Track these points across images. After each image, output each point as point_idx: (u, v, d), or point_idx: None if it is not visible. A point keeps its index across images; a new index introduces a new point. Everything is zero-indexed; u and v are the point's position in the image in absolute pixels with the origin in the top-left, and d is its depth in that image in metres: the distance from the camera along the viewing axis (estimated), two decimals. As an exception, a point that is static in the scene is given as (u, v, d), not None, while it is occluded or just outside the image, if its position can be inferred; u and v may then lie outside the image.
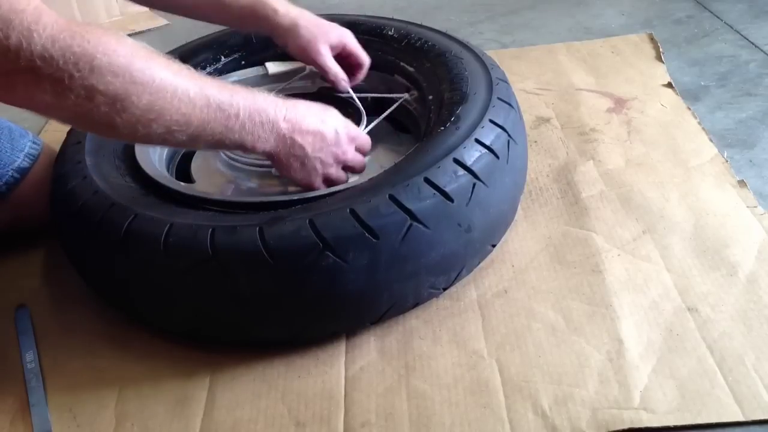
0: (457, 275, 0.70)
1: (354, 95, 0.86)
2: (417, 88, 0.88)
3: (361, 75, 0.87)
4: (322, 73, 0.84)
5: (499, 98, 0.74)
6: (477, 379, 0.64)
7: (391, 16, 0.98)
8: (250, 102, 0.63)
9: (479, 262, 0.74)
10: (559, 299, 0.71)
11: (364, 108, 0.84)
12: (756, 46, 1.17)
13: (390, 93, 0.90)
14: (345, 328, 0.70)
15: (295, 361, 0.68)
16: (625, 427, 0.58)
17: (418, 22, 0.95)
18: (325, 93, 0.89)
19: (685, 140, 0.93)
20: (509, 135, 0.71)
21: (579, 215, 0.82)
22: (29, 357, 0.71)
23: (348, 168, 0.73)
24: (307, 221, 0.60)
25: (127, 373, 0.69)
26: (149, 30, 1.54)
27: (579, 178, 0.88)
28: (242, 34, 0.98)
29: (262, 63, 0.97)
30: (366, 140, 0.75)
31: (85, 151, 0.76)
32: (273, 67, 0.96)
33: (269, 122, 0.64)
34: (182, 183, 0.77)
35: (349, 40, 0.84)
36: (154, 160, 0.80)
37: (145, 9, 1.53)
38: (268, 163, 0.77)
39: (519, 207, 0.81)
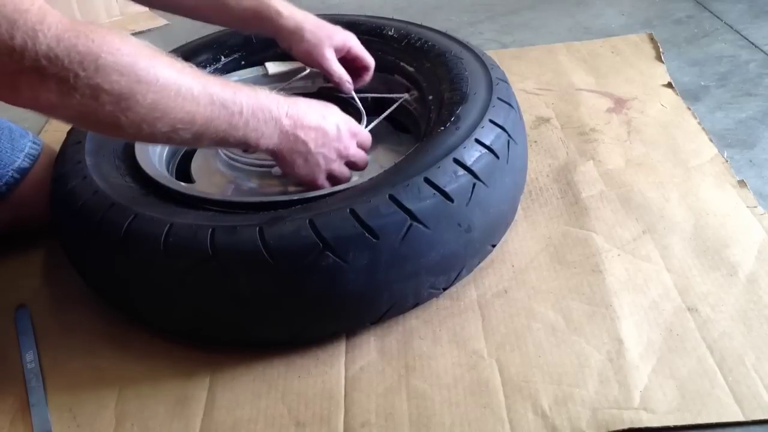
0: (457, 275, 0.70)
1: (354, 95, 0.86)
2: (417, 88, 0.88)
3: (367, 77, 0.87)
4: (326, 76, 0.84)
5: (499, 98, 0.74)
6: (477, 379, 0.64)
7: (391, 16, 0.98)
8: (252, 99, 0.63)
9: (479, 262, 0.74)
10: (559, 299, 0.71)
11: (364, 108, 0.84)
12: (756, 46, 1.17)
13: (390, 93, 0.90)
14: (345, 328, 0.70)
15: (295, 361, 0.68)
16: (625, 427, 0.58)
17: (418, 22, 0.95)
18: (325, 93, 0.89)
19: (685, 140, 0.93)
20: (509, 135, 0.71)
21: (579, 215, 0.82)
22: (29, 357, 0.71)
23: (350, 164, 0.73)
24: (307, 221, 0.60)
25: (127, 373, 0.69)
26: (149, 30, 1.54)
27: (579, 178, 0.88)
28: (242, 34, 0.98)
29: (262, 63, 0.97)
30: (367, 136, 0.75)
31: (85, 151, 0.76)
32: (273, 67, 0.96)
33: (272, 119, 0.64)
34: (182, 183, 0.77)
35: (353, 43, 0.85)
36: (154, 160, 0.80)
37: (145, 9, 1.53)
38: (268, 163, 0.77)
39: (519, 207, 0.81)
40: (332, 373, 0.66)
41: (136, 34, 1.51)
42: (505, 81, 0.79)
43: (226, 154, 0.80)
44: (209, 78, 0.61)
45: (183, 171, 0.87)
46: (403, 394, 0.63)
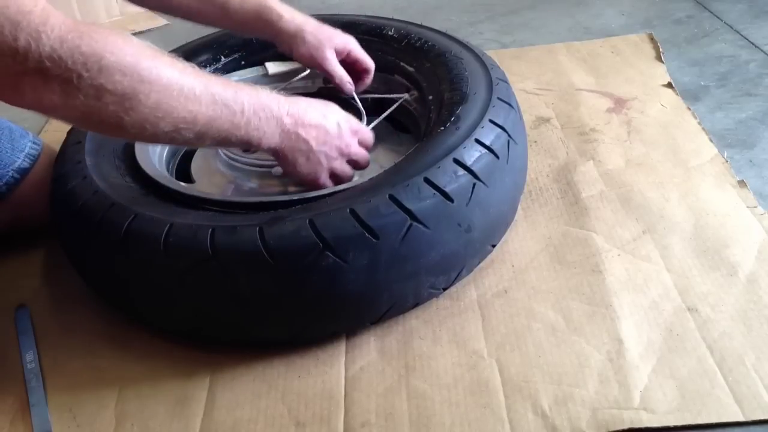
0: (457, 275, 0.70)
1: (355, 95, 0.86)
2: (417, 88, 0.88)
3: (368, 80, 0.87)
4: (328, 78, 0.84)
5: (499, 98, 0.74)
6: (477, 379, 0.64)
7: (391, 16, 0.98)
8: (254, 98, 0.63)
9: (479, 262, 0.74)
10: (559, 299, 0.71)
11: (364, 108, 0.84)
12: (756, 46, 1.17)
13: (390, 93, 0.90)
14: (345, 328, 0.70)
15: (295, 361, 0.68)
16: (625, 427, 0.58)
17: (418, 22, 0.95)
18: (326, 93, 0.89)
19: (685, 140, 0.93)
20: (509, 135, 0.71)
21: (579, 215, 0.82)
22: (29, 357, 0.71)
23: (353, 162, 0.73)
24: (307, 221, 0.60)
25: (127, 373, 0.69)
26: (149, 30, 1.54)
27: (579, 178, 0.88)
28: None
29: (262, 63, 0.97)
30: (368, 134, 0.75)
31: (85, 151, 0.76)
32: (273, 67, 0.96)
33: (273, 118, 0.64)
34: (182, 183, 0.77)
35: (353, 45, 0.85)
36: (154, 160, 0.80)
37: (144, 9, 1.53)
38: (268, 163, 0.77)
39: (519, 207, 0.81)
40: (332, 373, 0.66)
41: (136, 34, 1.51)
42: (505, 81, 0.79)
43: (226, 154, 0.80)
44: (210, 77, 0.61)
45: (183, 171, 0.87)
46: (403, 394, 0.63)
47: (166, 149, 0.87)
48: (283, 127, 0.65)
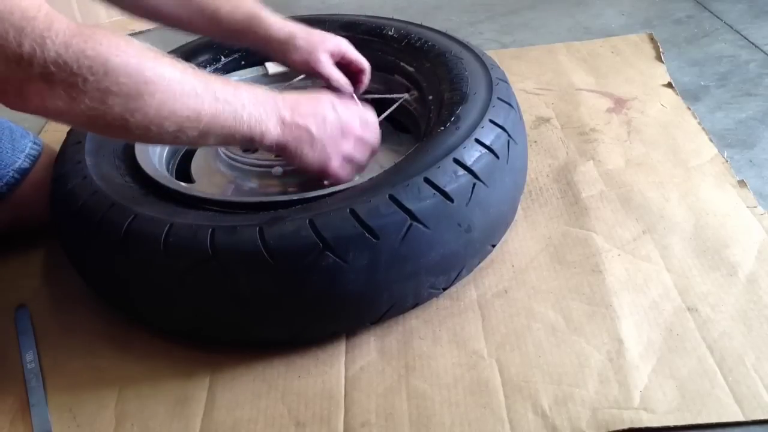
0: (457, 275, 0.70)
1: (354, 96, 0.86)
2: (417, 88, 0.88)
3: (365, 80, 0.86)
4: (324, 82, 0.84)
5: (499, 98, 0.74)
6: (477, 379, 0.64)
7: (391, 16, 0.98)
8: (252, 95, 0.63)
9: (479, 262, 0.74)
10: (559, 299, 0.71)
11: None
12: (756, 46, 1.17)
13: (390, 93, 0.90)
14: (345, 328, 0.70)
15: (295, 361, 0.68)
16: (625, 427, 0.58)
17: (418, 22, 0.95)
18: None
19: (685, 140, 0.93)
20: (509, 135, 0.71)
21: (579, 215, 0.82)
22: (29, 357, 0.71)
23: (362, 142, 0.72)
24: (307, 221, 0.60)
25: (127, 373, 0.69)
26: (149, 30, 1.53)
27: (579, 178, 0.88)
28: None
29: (262, 63, 0.98)
30: (366, 109, 0.74)
31: (85, 151, 0.76)
32: (273, 67, 0.97)
33: (273, 112, 0.64)
34: (182, 183, 0.77)
35: (346, 47, 0.84)
36: (154, 160, 0.80)
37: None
38: (268, 162, 0.77)
39: (519, 207, 0.81)
40: (332, 373, 0.66)
41: (136, 34, 1.51)
42: (505, 81, 0.79)
43: (226, 155, 0.80)
44: (209, 76, 0.61)
45: (183, 171, 0.87)
46: (403, 394, 0.63)
47: (166, 149, 0.87)
48: (283, 120, 0.65)
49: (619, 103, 1.03)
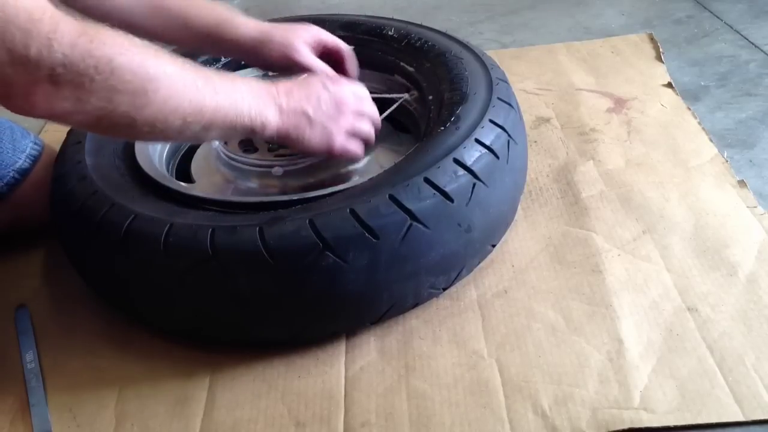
0: (457, 275, 0.70)
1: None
2: (417, 88, 0.88)
3: (351, 66, 0.85)
4: (308, 73, 0.82)
5: (499, 98, 0.74)
6: (477, 379, 0.64)
7: (391, 16, 0.98)
8: (248, 86, 0.64)
9: (479, 262, 0.74)
10: (559, 299, 0.71)
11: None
12: (756, 46, 1.17)
13: (390, 93, 0.90)
14: (345, 328, 0.70)
15: (295, 361, 0.68)
16: (625, 427, 0.58)
17: (418, 22, 0.95)
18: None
19: (685, 140, 0.93)
20: (509, 135, 0.71)
21: (579, 215, 0.82)
22: (29, 357, 0.71)
23: (360, 113, 0.72)
24: (307, 221, 0.60)
25: (127, 373, 0.69)
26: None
27: (579, 178, 0.88)
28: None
29: (262, 63, 0.97)
30: (357, 84, 0.74)
31: (85, 151, 0.76)
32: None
33: (270, 101, 0.65)
34: (182, 183, 0.77)
35: (324, 36, 0.83)
36: (154, 160, 0.80)
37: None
38: (268, 162, 0.77)
39: (519, 207, 0.81)
40: (332, 373, 0.66)
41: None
42: (505, 81, 0.79)
43: (226, 154, 0.80)
44: (207, 70, 0.62)
45: (183, 171, 0.87)
46: (403, 394, 0.63)
47: (167, 149, 0.87)
48: (280, 108, 0.65)
49: (619, 103, 1.03)
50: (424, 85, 0.86)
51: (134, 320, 0.73)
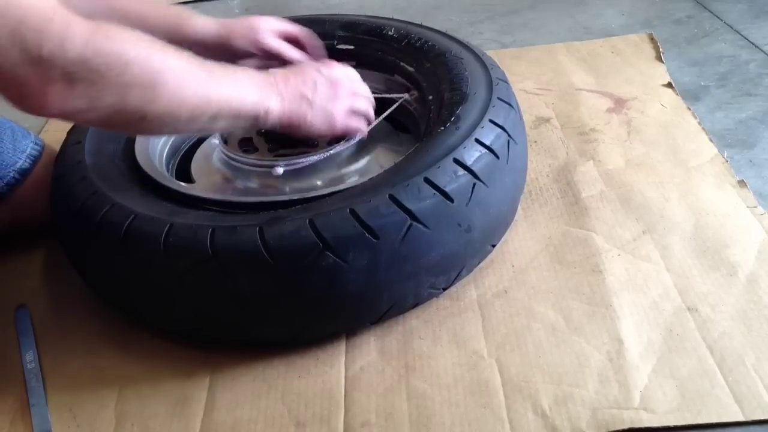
0: (457, 275, 0.70)
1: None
2: (417, 88, 0.88)
3: (316, 50, 0.85)
4: (278, 59, 0.82)
5: (499, 98, 0.74)
6: (477, 379, 0.64)
7: (391, 16, 0.98)
8: (247, 76, 0.66)
9: (479, 262, 0.74)
10: (559, 299, 0.71)
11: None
12: (756, 46, 1.17)
13: (390, 93, 0.90)
14: (345, 328, 0.70)
15: (295, 361, 0.68)
16: (625, 427, 0.58)
17: (418, 22, 0.95)
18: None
19: (685, 140, 0.93)
20: (509, 135, 0.71)
21: (579, 215, 0.82)
22: (29, 357, 0.71)
23: (356, 95, 0.74)
24: (307, 221, 0.60)
25: (127, 373, 0.69)
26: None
27: (579, 178, 0.88)
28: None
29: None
30: (345, 66, 0.75)
31: (85, 151, 0.76)
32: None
33: (270, 88, 0.66)
34: (182, 183, 0.77)
35: (285, 25, 0.84)
36: (154, 160, 0.80)
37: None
38: (268, 162, 0.77)
39: (519, 207, 0.81)
40: (332, 373, 0.66)
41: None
42: (505, 81, 0.79)
43: (226, 154, 0.80)
44: (208, 62, 0.63)
45: (183, 171, 0.87)
46: (403, 394, 0.63)
47: (167, 149, 0.87)
48: (281, 95, 0.66)
49: (619, 103, 1.03)
50: (424, 85, 0.86)
51: (134, 320, 0.73)
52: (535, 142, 0.96)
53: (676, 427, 0.58)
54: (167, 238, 0.62)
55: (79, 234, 0.70)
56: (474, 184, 0.65)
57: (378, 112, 0.85)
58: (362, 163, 0.80)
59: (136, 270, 0.65)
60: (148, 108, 0.56)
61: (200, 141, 0.91)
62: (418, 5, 1.52)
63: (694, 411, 0.59)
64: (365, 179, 0.67)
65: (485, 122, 0.70)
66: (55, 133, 1.01)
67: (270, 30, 0.82)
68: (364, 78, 0.82)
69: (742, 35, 1.22)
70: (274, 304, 0.63)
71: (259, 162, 0.78)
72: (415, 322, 0.70)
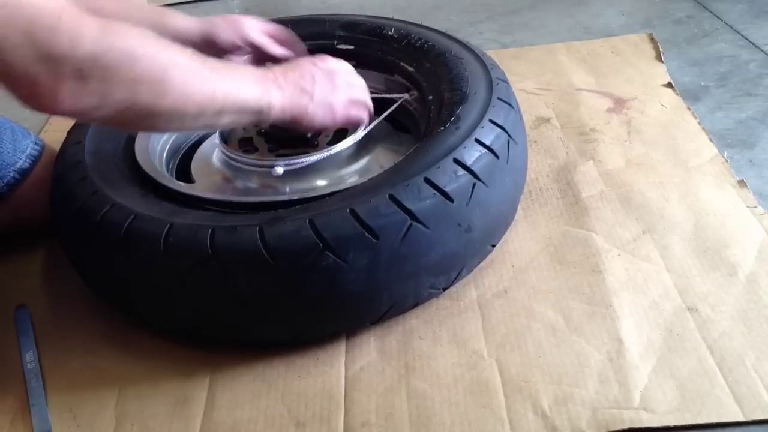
0: (457, 275, 0.70)
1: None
2: (417, 88, 0.88)
3: (298, 46, 0.86)
4: (264, 54, 0.83)
5: (499, 98, 0.74)
6: (477, 379, 0.64)
7: (391, 16, 0.98)
8: (248, 71, 0.67)
9: (479, 262, 0.74)
10: (559, 299, 0.71)
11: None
12: (756, 46, 1.17)
13: (390, 93, 0.90)
14: (345, 328, 0.70)
15: (295, 361, 0.68)
16: (625, 427, 0.58)
17: (418, 22, 0.95)
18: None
19: (685, 140, 0.93)
20: (509, 135, 0.71)
21: (579, 215, 0.82)
22: (29, 357, 0.71)
23: (352, 85, 0.75)
24: (307, 221, 0.60)
25: (127, 373, 0.69)
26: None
27: (579, 178, 0.88)
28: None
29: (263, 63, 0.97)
30: (336, 59, 0.76)
31: (85, 151, 0.76)
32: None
33: (271, 83, 0.66)
34: (182, 183, 0.77)
35: (263, 24, 0.84)
36: (154, 160, 0.80)
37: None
38: (268, 162, 0.77)
39: (519, 207, 0.81)
40: (332, 373, 0.66)
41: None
42: (505, 81, 0.79)
43: (226, 154, 0.80)
44: (209, 59, 0.63)
45: (183, 171, 0.87)
46: (403, 394, 0.63)
47: (167, 149, 0.87)
48: (281, 89, 0.67)
49: (619, 103, 1.03)
50: (424, 85, 0.86)
51: (134, 320, 0.73)
52: (535, 142, 0.96)
53: (676, 427, 0.58)
54: (167, 238, 0.62)
55: (79, 234, 0.70)
56: (474, 184, 0.65)
57: (378, 112, 0.85)
58: (362, 163, 0.80)
59: (136, 270, 0.65)
60: (158, 103, 0.57)
61: (200, 141, 0.91)
62: (418, 5, 1.53)
63: (694, 411, 0.59)
64: (365, 179, 0.67)
65: (485, 122, 0.70)
66: (55, 133, 1.01)
67: (254, 25, 0.82)
68: (365, 78, 0.83)
69: (742, 35, 1.22)
70: (274, 304, 0.63)
71: (259, 162, 0.78)
72: (415, 322, 0.71)
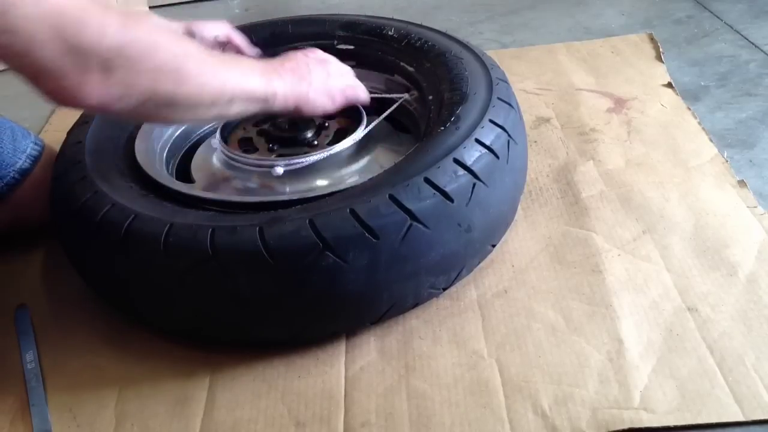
0: (457, 275, 0.70)
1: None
2: (417, 88, 0.88)
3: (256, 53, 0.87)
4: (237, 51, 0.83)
5: (499, 98, 0.74)
6: (477, 379, 0.64)
7: (391, 16, 0.98)
8: (249, 63, 0.69)
9: (479, 262, 0.74)
10: (559, 299, 0.71)
11: (364, 108, 0.84)
12: (756, 46, 1.17)
13: (390, 93, 0.90)
14: (345, 328, 0.70)
15: (295, 361, 0.68)
16: (625, 427, 0.58)
17: (418, 22, 0.95)
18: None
19: (685, 140, 0.93)
20: (509, 135, 0.71)
21: (579, 215, 0.82)
22: (29, 357, 0.71)
23: (341, 71, 0.78)
24: (307, 221, 0.60)
25: (127, 373, 0.69)
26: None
27: (579, 178, 0.88)
28: (245, 32, 0.97)
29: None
30: (320, 50, 0.78)
31: (85, 151, 0.76)
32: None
33: (272, 74, 0.68)
34: (182, 183, 0.77)
35: (230, 29, 0.84)
36: (154, 160, 0.80)
37: (144, 6, 1.53)
38: (268, 162, 0.77)
39: (519, 207, 0.81)
40: (332, 373, 0.66)
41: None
42: (505, 81, 0.79)
43: (226, 154, 0.80)
44: (214, 51, 0.66)
45: (183, 171, 0.87)
46: (403, 394, 0.63)
47: (167, 149, 0.87)
48: (282, 79, 0.68)
49: (619, 103, 1.03)
50: (424, 85, 0.85)
51: (134, 320, 0.73)
52: (535, 142, 0.96)
53: (676, 427, 0.58)
54: (167, 238, 0.62)
55: (79, 234, 0.70)
56: (474, 184, 0.65)
57: (378, 112, 0.85)
58: (362, 163, 0.80)
59: (136, 270, 0.65)
60: (177, 92, 0.58)
61: (200, 141, 0.91)
62: (418, 5, 1.52)
63: (694, 411, 0.59)
64: (365, 179, 0.67)
65: (485, 122, 0.70)
66: (55, 133, 1.01)
67: (222, 28, 0.83)
68: (365, 78, 0.83)
69: (742, 35, 1.22)
70: (274, 304, 0.63)
71: (259, 162, 0.78)
72: (415, 322, 0.71)
